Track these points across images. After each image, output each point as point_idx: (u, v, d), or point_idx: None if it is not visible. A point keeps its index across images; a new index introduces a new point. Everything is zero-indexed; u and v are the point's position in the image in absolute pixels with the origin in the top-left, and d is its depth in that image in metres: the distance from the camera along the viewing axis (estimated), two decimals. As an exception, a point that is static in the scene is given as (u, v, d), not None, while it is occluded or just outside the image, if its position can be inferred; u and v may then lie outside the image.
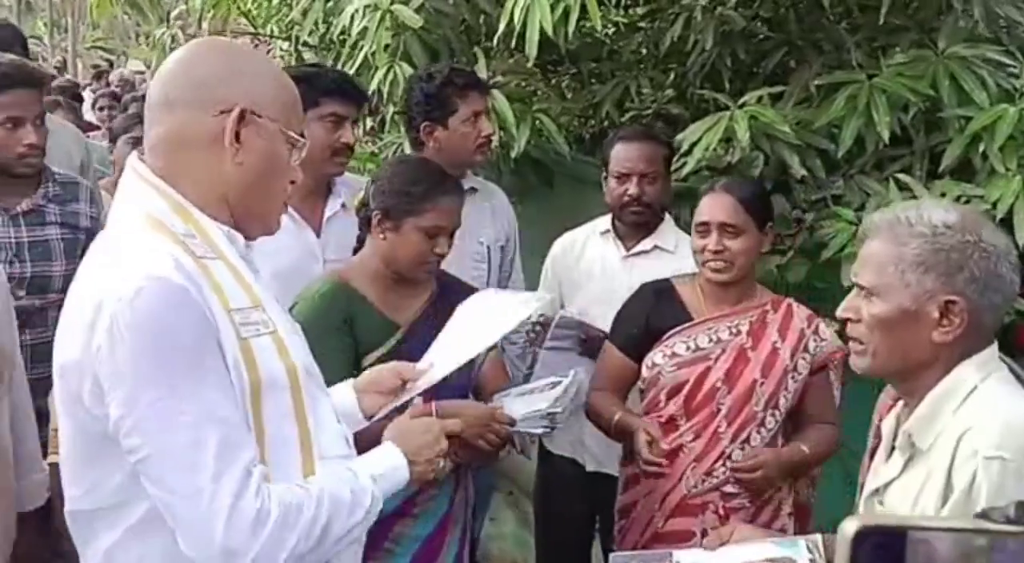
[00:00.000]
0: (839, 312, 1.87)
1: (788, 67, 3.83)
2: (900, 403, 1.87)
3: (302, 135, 1.72)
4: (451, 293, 2.67)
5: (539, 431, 2.55)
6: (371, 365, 2.47)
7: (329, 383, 2.35)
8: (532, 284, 3.63)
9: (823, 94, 3.49)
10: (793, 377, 2.74)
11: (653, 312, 2.83)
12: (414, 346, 2.46)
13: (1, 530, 2.34)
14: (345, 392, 2.04)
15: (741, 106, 3.34)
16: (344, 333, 2.52)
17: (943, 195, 3.13)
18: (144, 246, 1.56)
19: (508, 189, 3.93)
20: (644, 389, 2.82)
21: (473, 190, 3.37)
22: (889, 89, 3.21)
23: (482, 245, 3.35)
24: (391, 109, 3.94)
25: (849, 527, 0.62)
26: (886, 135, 3.17)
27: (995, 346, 1.81)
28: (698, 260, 2.76)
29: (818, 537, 1.98)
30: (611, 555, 2.22)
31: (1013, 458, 1.61)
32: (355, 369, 2.46)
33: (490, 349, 2.42)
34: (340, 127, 3.00)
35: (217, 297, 1.56)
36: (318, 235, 3.08)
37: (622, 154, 3.19)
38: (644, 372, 2.81)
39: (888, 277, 1.76)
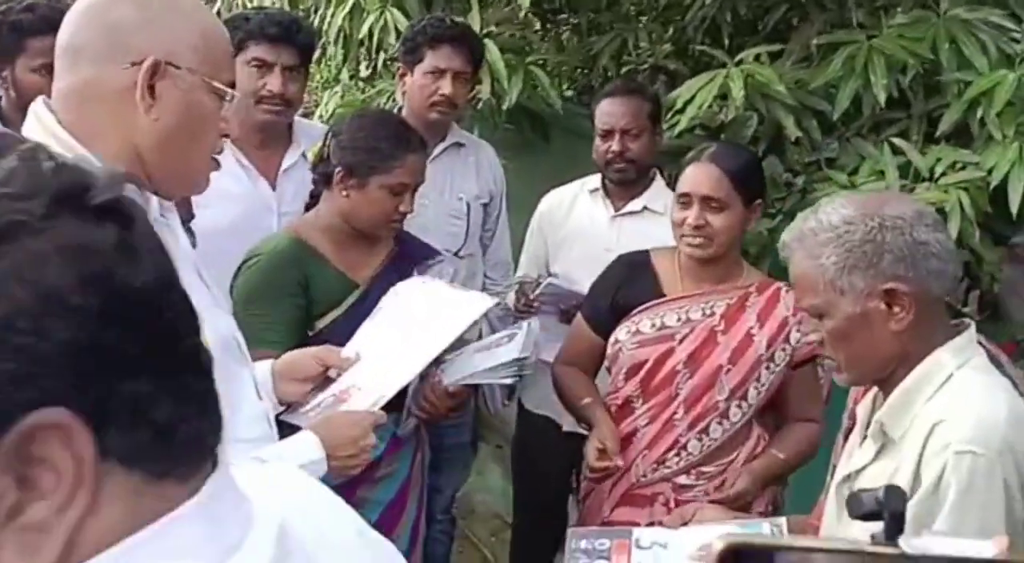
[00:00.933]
0: (807, 341, 1.84)
1: (791, 23, 3.73)
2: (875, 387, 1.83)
3: (233, 85, 1.59)
4: (410, 251, 2.66)
5: (509, 380, 2.52)
6: (327, 326, 2.44)
7: (279, 343, 2.31)
8: (523, 240, 3.58)
9: (822, 53, 3.42)
10: (768, 367, 2.56)
11: (624, 286, 2.68)
12: (371, 305, 2.43)
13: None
14: (263, 375, 1.91)
15: (738, 64, 3.27)
16: (298, 296, 2.44)
17: (939, 160, 3.07)
18: None
19: (502, 141, 3.87)
20: (608, 367, 2.69)
21: (459, 145, 3.31)
22: (888, 51, 3.12)
23: (461, 201, 3.28)
24: (382, 56, 3.87)
25: (717, 545, 0.59)
26: (882, 98, 3.09)
27: (972, 329, 1.76)
28: (676, 233, 2.59)
29: (783, 520, 1.96)
30: (569, 529, 2.18)
31: (984, 453, 1.57)
32: (309, 330, 2.45)
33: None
34: (266, 73, 2.86)
35: None
36: (273, 187, 2.99)
37: (605, 109, 3.13)
38: (609, 349, 2.65)
39: (822, 293, 1.72)
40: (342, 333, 2.34)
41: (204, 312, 1.54)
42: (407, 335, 2.20)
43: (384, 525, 2.53)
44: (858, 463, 1.75)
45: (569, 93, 4.10)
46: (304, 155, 3.00)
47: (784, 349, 2.58)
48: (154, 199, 1.58)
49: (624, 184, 3.17)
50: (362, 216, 2.51)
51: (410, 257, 2.64)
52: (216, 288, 1.73)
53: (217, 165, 1.65)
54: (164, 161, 1.55)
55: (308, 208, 2.66)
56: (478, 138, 3.50)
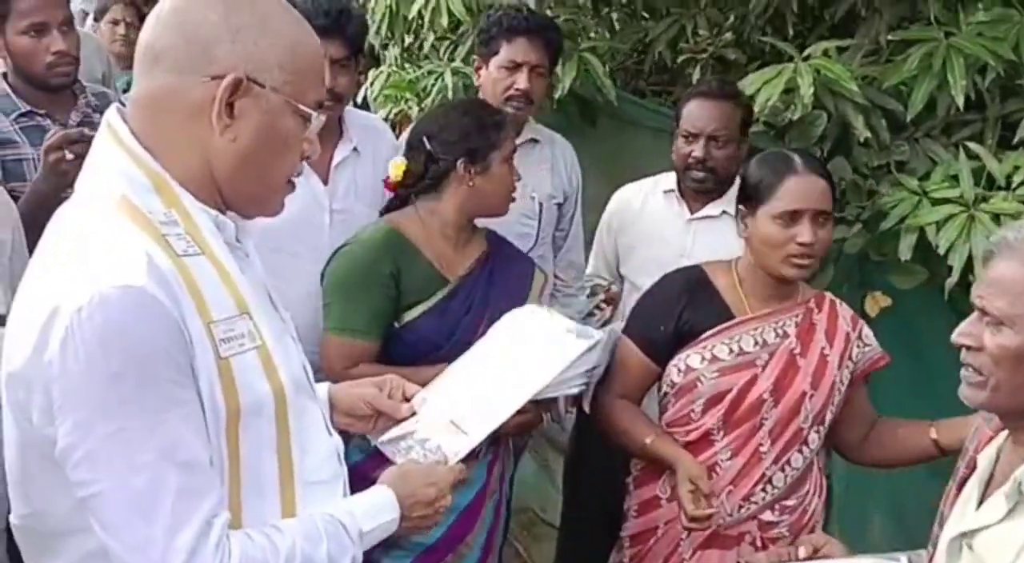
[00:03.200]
0: (955, 337, 1.65)
1: (857, 15, 3.57)
2: (1003, 434, 1.68)
3: (320, 105, 1.47)
4: (502, 253, 2.66)
5: (576, 390, 2.36)
6: (414, 319, 2.45)
7: (367, 333, 2.41)
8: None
9: (891, 49, 3.26)
10: (839, 389, 2.44)
11: (688, 309, 2.46)
12: (459, 303, 2.48)
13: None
14: (322, 400, 1.77)
15: (806, 58, 3.11)
16: (389, 286, 2.45)
17: (1016, 167, 2.93)
18: (114, 240, 1.32)
19: (550, 126, 3.73)
20: (670, 394, 2.49)
21: (534, 141, 3.20)
22: (968, 50, 2.97)
23: (533, 200, 3.16)
24: (431, 37, 3.73)
25: None
26: (960, 100, 2.94)
27: None
28: (776, 255, 2.36)
29: (922, 553, 1.82)
30: None
31: None
32: (396, 321, 2.46)
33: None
34: None
35: (196, 307, 1.33)
36: (325, 182, 2.85)
37: (694, 111, 2.93)
38: (675, 377, 2.46)
39: None
40: (427, 328, 2.38)
41: (276, 344, 1.45)
42: (505, 371, 2.10)
43: (458, 530, 2.50)
44: (982, 520, 1.60)
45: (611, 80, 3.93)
46: (356, 149, 2.87)
47: (848, 367, 2.47)
48: (229, 224, 1.47)
49: (698, 191, 3.00)
50: (490, 197, 2.55)
51: (502, 258, 2.63)
52: (284, 310, 1.62)
53: (293, 187, 1.52)
54: (238, 183, 1.44)
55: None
56: (554, 133, 3.34)
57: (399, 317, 2.46)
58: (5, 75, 2.96)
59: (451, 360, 2.29)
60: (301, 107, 1.43)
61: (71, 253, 1.33)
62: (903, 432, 2.49)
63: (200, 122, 1.39)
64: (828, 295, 2.55)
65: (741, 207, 2.43)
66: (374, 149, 2.97)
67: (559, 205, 3.24)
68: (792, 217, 2.34)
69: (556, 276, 3.29)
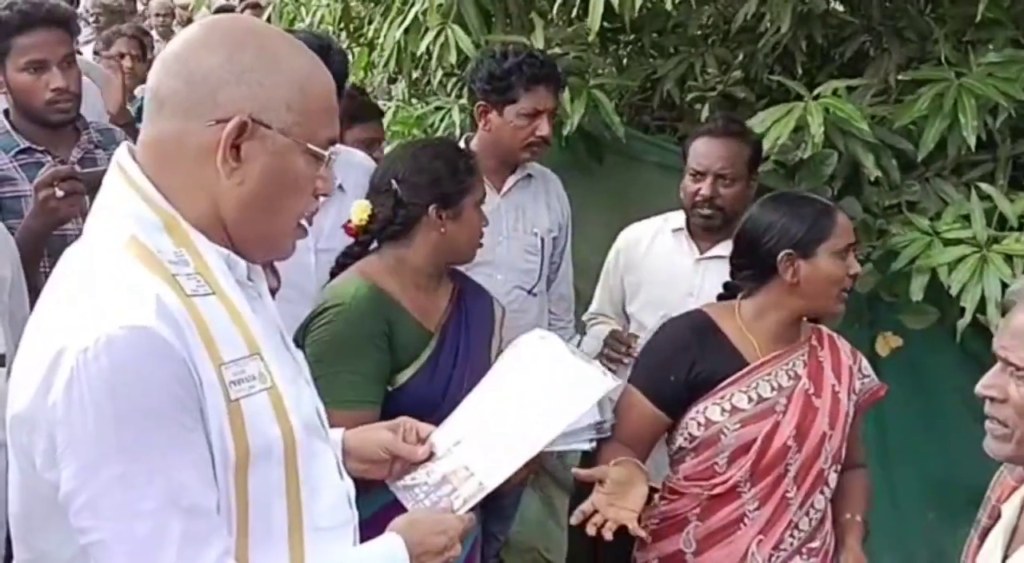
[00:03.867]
0: (979, 389, 1.62)
1: (866, 54, 3.57)
2: None
3: (333, 143, 1.42)
4: (468, 290, 2.55)
5: (587, 446, 2.24)
6: (407, 381, 2.32)
7: (370, 401, 2.25)
8: (578, 271, 3.43)
9: (901, 88, 3.26)
10: (848, 424, 2.40)
11: (700, 358, 2.37)
12: (447, 356, 2.35)
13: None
14: (335, 445, 1.70)
15: (816, 97, 3.10)
16: (383, 349, 2.29)
17: (1028, 208, 2.92)
18: (122, 280, 1.28)
19: (556, 162, 3.73)
20: (687, 448, 2.40)
21: (530, 177, 3.16)
22: (978, 91, 2.96)
23: (536, 236, 3.12)
24: (439, 73, 3.72)
25: None
26: (972, 140, 2.94)
27: None
28: (834, 291, 2.33)
29: None
30: None
31: None
32: (389, 385, 2.31)
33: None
34: None
35: (206, 348, 1.28)
36: (310, 222, 2.79)
37: (700, 150, 2.90)
38: (694, 430, 2.36)
39: None
40: (421, 388, 2.27)
41: (288, 385, 1.41)
42: (521, 412, 2.03)
43: None
44: None
45: (625, 115, 3.93)
46: (341, 187, 2.82)
47: (851, 399, 2.44)
48: (241, 263, 1.43)
49: (706, 229, 2.96)
50: (461, 243, 2.43)
51: (471, 296, 2.53)
52: (297, 351, 1.58)
53: (305, 231, 1.49)
54: (246, 226, 1.40)
55: (341, 268, 2.48)
56: (543, 167, 3.32)
57: (391, 379, 2.32)
58: (7, 112, 2.95)
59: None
60: (311, 147, 1.39)
61: (78, 293, 1.30)
62: (840, 501, 2.47)
63: (207, 166, 1.35)
64: (825, 329, 2.51)
65: (791, 252, 2.31)
66: (359, 186, 2.89)
67: (554, 239, 3.22)
68: (847, 250, 2.34)
69: (548, 310, 3.26)
